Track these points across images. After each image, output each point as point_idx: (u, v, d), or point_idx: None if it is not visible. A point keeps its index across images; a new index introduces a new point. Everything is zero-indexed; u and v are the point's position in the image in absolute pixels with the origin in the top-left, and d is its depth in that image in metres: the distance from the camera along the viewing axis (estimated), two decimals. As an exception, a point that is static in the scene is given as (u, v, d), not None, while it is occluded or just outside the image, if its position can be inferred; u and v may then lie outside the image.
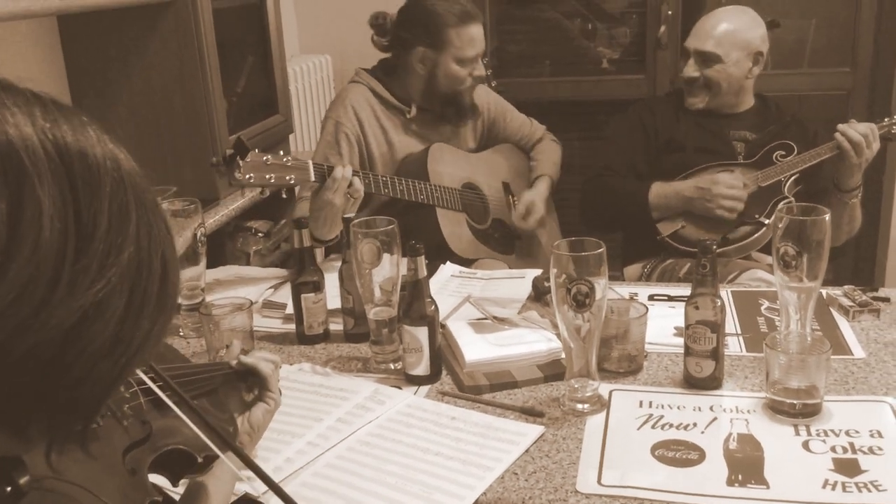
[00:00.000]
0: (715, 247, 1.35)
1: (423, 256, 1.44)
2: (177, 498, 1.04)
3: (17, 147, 0.52)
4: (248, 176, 1.70)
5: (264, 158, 1.73)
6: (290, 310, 1.71)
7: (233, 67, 2.55)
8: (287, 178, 1.76)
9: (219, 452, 0.93)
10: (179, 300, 1.73)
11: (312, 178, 1.81)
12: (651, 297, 1.80)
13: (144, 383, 0.87)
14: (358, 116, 2.15)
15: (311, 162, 1.82)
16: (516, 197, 2.38)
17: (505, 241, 2.34)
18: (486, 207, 2.32)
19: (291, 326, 1.69)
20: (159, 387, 0.87)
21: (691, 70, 2.33)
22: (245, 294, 1.87)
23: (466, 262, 2.10)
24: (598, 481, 1.16)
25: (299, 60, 3.34)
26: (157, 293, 0.60)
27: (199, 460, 0.92)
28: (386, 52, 2.26)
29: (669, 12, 3.46)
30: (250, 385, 1.19)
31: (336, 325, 1.68)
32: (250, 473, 0.87)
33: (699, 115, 2.36)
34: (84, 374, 0.56)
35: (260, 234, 2.39)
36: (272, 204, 2.11)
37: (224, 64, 2.41)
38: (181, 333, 1.73)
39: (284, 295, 1.81)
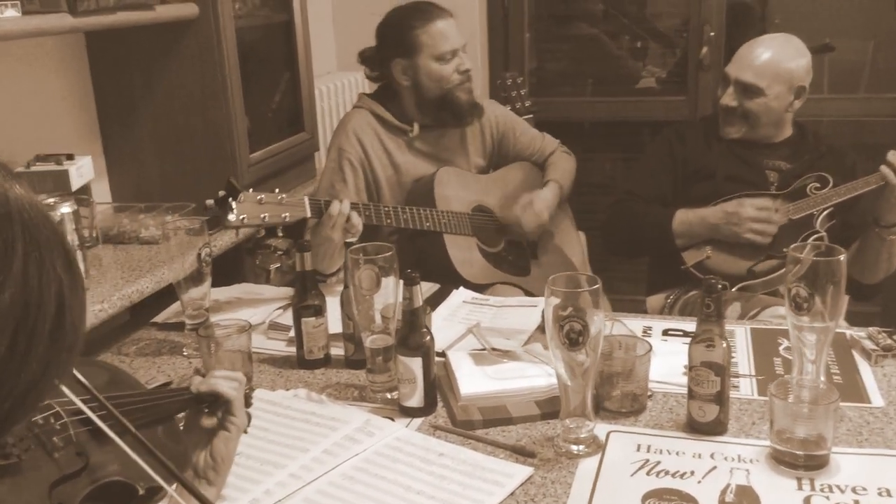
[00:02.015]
0: (721, 286, 1.29)
1: (418, 285, 1.40)
2: None
3: None
4: (241, 217, 1.68)
5: (258, 198, 1.71)
6: (293, 333, 1.69)
7: (267, 83, 2.56)
8: (282, 215, 1.75)
9: (163, 483, 0.89)
10: (184, 319, 1.73)
11: (309, 214, 1.79)
12: (665, 332, 1.74)
13: (82, 412, 0.85)
14: (361, 142, 2.14)
15: (307, 198, 1.80)
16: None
17: (520, 263, 2.29)
18: (499, 229, 2.27)
19: (294, 350, 1.67)
20: (101, 416, 0.85)
21: (730, 99, 2.25)
22: (254, 314, 1.86)
23: (480, 288, 2.06)
24: (582, 531, 1.11)
25: (335, 77, 3.35)
26: (50, 333, 0.58)
27: (141, 492, 0.89)
28: (377, 81, 2.25)
29: (712, 33, 3.38)
30: (212, 410, 1.11)
31: (338, 351, 1.66)
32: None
33: (733, 143, 2.28)
34: None
35: (279, 252, 2.38)
36: (300, 224, 2.10)
37: (258, 80, 2.42)
38: (185, 353, 1.73)
39: (291, 317, 1.79)
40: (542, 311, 1.76)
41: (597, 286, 1.24)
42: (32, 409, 0.61)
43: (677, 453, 1.28)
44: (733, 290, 2.16)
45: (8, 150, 1.95)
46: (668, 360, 1.54)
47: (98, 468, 0.85)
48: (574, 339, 1.24)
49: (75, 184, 1.90)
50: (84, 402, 0.84)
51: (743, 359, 1.60)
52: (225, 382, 1.10)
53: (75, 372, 0.85)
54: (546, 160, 2.44)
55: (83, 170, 1.95)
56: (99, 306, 1.70)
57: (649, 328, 1.75)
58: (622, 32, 3.83)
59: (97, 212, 2.09)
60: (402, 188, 2.17)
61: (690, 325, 1.75)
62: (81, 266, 1.76)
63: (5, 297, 0.54)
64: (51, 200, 1.73)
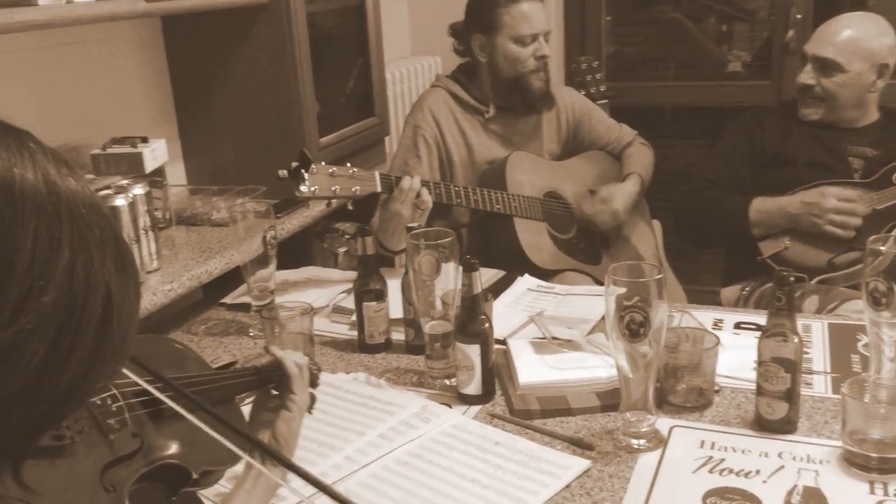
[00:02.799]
0: (793, 278, 1.23)
1: (478, 272, 1.38)
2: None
3: None
4: (312, 188, 1.69)
5: (330, 170, 1.72)
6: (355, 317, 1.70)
7: (340, 68, 2.57)
8: (353, 189, 1.75)
9: (241, 453, 0.90)
10: (250, 301, 1.75)
11: (379, 189, 1.79)
12: (738, 325, 1.67)
13: (141, 393, 0.86)
14: (437, 120, 2.13)
15: (377, 173, 1.80)
16: None
17: (591, 251, 2.24)
18: (571, 216, 2.23)
19: (356, 333, 1.67)
20: (168, 396, 0.86)
21: (807, 77, 2.15)
22: (318, 297, 1.87)
23: (549, 274, 2.03)
24: (637, 527, 1.08)
25: (409, 62, 3.34)
26: (94, 338, 0.56)
27: (195, 476, 0.90)
28: (462, 56, 2.24)
29: (798, 16, 3.23)
30: (278, 387, 1.11)
31: (399, 335, 1.66)
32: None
33: (814, 127, 2.18)
34: (1, 417, 0.53)
35: (347, 236, 2.39)
36: (363, 205, 2.11)
37: (330, 65, 2.43)
38: (250, 333, 1.75)
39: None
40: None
41: (660, 276, 1.20)
42: (75, 409, 0.60)
43: (743, 451, 1.23)
44: (812, 282, 2.07)
45: (86, 133, 2.01)
46: (738, 354, 1.48)
47: (153, 450, 0.86)
48: (635, 330, 1.20)
49: (149, 166, 1.95)
50: (147, 382, 0.84)
51: (819, 355, 1.53)
52: (290, 361, 1.10)
53: (138, 354, 0.87)
54: (622, 151, 2.38)
55: (157, 152, 1.99)
56: (169, 286, 1.74)
57: (721, 321, 1.69)
58: (706, 15, 3.71)
59: (172, 194, 2.14)
60: (475, 169, 2.16)
61: (764, 319, 1.69)
62: (153, 247, 1.80)
63: (47, 300, 0.52)
64: (124, 182, 1.77)
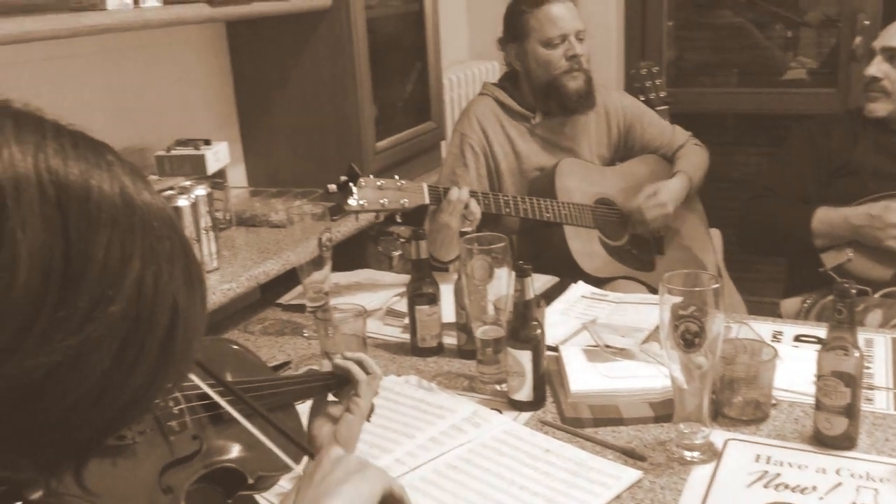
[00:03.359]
0: (854, 291, 1.20)
1: (530, 277, 1.38)
2: None
3: (4, 185, 0.49)
4: (361, 201, 1.71)
5: (378, 183, 1.73)
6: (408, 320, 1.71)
7: (398, 73, 2.59)
8: (401, 201, 1.76)
9: (292, 464, 0.92)
10: (305, 302, 1.78)
11: (427, 201, 1.79)
12: (798, 338, 1.64)
13: (203, 396, 0.88)
14: (483, 128, 2.13)
15: (425, 185, 1.81)
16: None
17: (644, 258, 2.22)
18: (623, 223, 2.21)
19: (408, 337, 1.68)
20: (227, 401, 0.88)
21: (875, 69, 2.09)
22: (372, 300, 1.89)
23: (601, 282, 2.01)
24: (688, 540, 1.06)
25: (466, 67, 3.35)
26: (159, 349, 0.56)
27: (251, 481, 0.91)
28: (509, 67, 2.25)
29: (867, 22, 3.15)
30: (339, 394, 1.13)
31: (451, 340, 1.66)
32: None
33: (881, 133, 2.12)
34: (64, 421, 0.54)
35: (402, 240, 2.41)
36: (412, 217, 2.12)
37: (388, 70, 2.46)
38: (305, 334, 1.78)
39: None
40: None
41: (717, 285, 1.18)
42: (138, 416, 0.60)
43: (799, 466, 1.20)
44: (876, 296, 2.01)
45: (151, 135, 2.06)
46: (797, 368, 1.45)
47: (212, 453, 0.87)
48: (689, 340, 1.18)
49: (211, 168, 1.99)
50: (209, 386, 0.86)
51: (881, 370, 1.48)
52: (357, 367, 1.12)
53: (201, 358, 0.89)
54: (675, 153, 2.35)
55: (219, 154, 2.04)
56: (228, 285, 1.78)
57: (780, 333, 1.65)
58: (771, 21, 3.64)
59: (232, 195, 2.18)
60: (524, 176, 2.15)
61: (825, 332, 1.65)
62: (213, 247, 1.84)
63: (115, 309, 0.53)
64: (187, 183, 1.81)
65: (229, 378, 0.91)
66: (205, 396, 0.88)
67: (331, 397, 1.14)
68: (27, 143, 0.51)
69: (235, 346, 1.15)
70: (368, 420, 1.21)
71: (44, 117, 0.55)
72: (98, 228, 0.52)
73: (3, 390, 0.50)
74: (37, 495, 0.62)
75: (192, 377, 0.84)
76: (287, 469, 0.97)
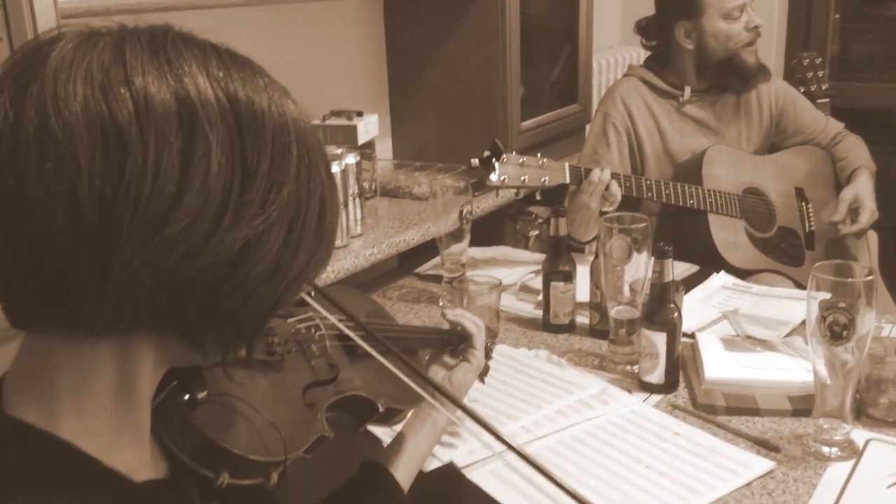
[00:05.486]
0: None
1: (670, 259, 1.36)
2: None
3: (192, 96, 0.59)
4: (502, 178, 1.72)
5: (520, 160, 1.74)
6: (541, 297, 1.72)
7: (548, 55, 2.60)
8: (542, 179, 1.76)
9: (426, 395, 1.01)
10: (443, 272, 1.82)
11: (568, 180, 1.79)
12: (956, 345, 1.53)
13: (341, 331, 0.94)
14: (628, 108, 2.10)
15: (566, 164, 1.80)
16: (811, 205, 2.16)
17: (792, 252, 2.12)
18: (772, 214, 2.12)
19: (541, 313, 1.70)
20: (360, 336, 0.94)
21: None
22: (507, 275, 1.91)
23: (744, 274, 1.95)
24: (820, 536, 1.03)
25: (617, 51, 3.31)
26: (315, 228, 0.66)
27: (381, 410, 0.96)
28: (655, 50, 2.19)
29: None
30: (453, 351, 1.19)
31: (583, 319, 1.66)
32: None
33: None
34: (247, 296, 0.63)
35: (539, 220, 2.42)
36: (551, 196, 2.13)
37: (539, 51, 2.47)
38: (440, 304, 1.82)
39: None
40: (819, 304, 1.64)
41: (870, 278, 1.13)
42: (297, 293, 0.70)
43: (949, 475, 1.14)
44: None
45: (310, 104, 2.16)
46: (953, 375, 1.36)
47: (345, 382, 0.93)
48: (837, 332, 1.14)
49: (361, 138, 2.07)
50: (343, 323, 0.93)
51: None
52: (469, 321, 1.19)
53: (336, 297, 0.95)
54: (834, 146, 2.24)
55: (369, 126, 2.11)
56: (370, 251, 1.85)
57: (937, 338, 1.55)
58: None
59: (378, 167, 2.26)
60: (669, 157, 2.11)
61: None
62: (359, 214, 1.91)
63: (284, 193, 0.63)
64: (338, 151, 1.89)
65: (363, 320, 0.97)
66: (341, 333, 0.94)
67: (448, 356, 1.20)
68: (196, 60, 0.61)
69: (373, 300, 1.21)
70: (482, 380, 1.25)
71: (202, 39, 0.65)
72: (263, 127, 0.62)
73: (211, 265, 0.60)
74: (202, 394, 0.69)
75: (329, 315, 0.91)
76: (414, 403, 1.03)
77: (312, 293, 0.90)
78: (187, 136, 0.58)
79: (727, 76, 2.08)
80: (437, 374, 1.16)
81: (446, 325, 1.21)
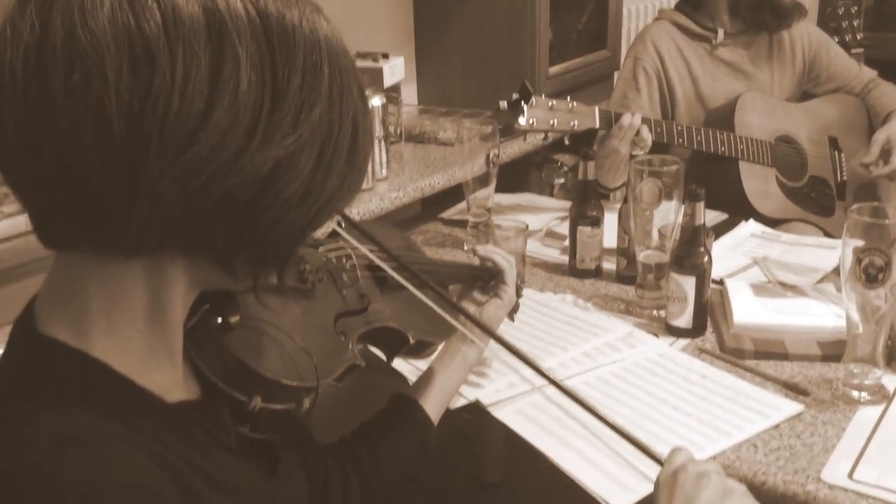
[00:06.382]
0: None
1: (702, 202, 1.34)
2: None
3: (221, 9, 0.58)
4: (531, 121, 1.69)
5: (549, 104, 1.71)
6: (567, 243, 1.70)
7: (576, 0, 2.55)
8: (571, 123, 1.73)
9: (457, 325, 1.01)
10: (468, 217, 1.81)
11: (597, 125, 1.76)
12: None
13: (373, 262, 0.93)
14: (659, 52, 2.05)
15: (596, 108, 1.77)
16: (843, 154, 2.12)
17: (823, 202, 2.09)
18: (804, 163, 2.08)
19: (567, 259, 1.68)
20: (391, 267, 0.94)
21: None
22: (533, 221, 1.89)
23: (774, 223, 1.92)
24: (850, 475, 1.02)
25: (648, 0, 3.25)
26: (347, 151, 0.65)
27: (412, 342, 0.96)
28: None
29: None
30: (484, 286, 1.18)
31: (610, 265, 1.65)
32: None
33: None
34: (277, 219, 0.62)
35: (565, 168, 2.39)
36: (580, 142, 2.10)
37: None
38: (465, 248, 1.81)
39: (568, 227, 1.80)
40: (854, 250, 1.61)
41: (909, 220, 1.10)
42: (329, 216, 0.69)
43: (982, 421, 1.12)
44: None
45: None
46: None
47: (375, 313, 0.93)
48: (873, 275, 1.12)
49: (387, 81, 2.05)
50: (375, 254, 0.92)
51: None
52: (500, 257, 1.19)
53: (367, 229, 0.95)
54: (868, 93, 2.19)
55: (395, 69, 2.09)
56: (395, 194, 1.84)
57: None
58: None
59: (403, 112, 2.24)
60: (700, 102, 2.06)
61: None
62: (384, 157, 1.90)
63: (315, 113, 0.61)
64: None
65: (394, 252, 0.96)
66: (372, 264, 0.93)
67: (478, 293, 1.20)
68: None
69: (400, 231, 1.21)
70: (511, 318, 1.25)
71: None
72: (294, 44, 0.61)
73: (241, 185, 0.59)
74: (235, 318, 0.68)
75: (360, 246, 0.90)
76: (445, 336, 1.03)
77: (343, 224, 0.89)
78: (216, 51, 0.57)
79: (762, 12, 2.03)
80: (468, 308, 1.15)
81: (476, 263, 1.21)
